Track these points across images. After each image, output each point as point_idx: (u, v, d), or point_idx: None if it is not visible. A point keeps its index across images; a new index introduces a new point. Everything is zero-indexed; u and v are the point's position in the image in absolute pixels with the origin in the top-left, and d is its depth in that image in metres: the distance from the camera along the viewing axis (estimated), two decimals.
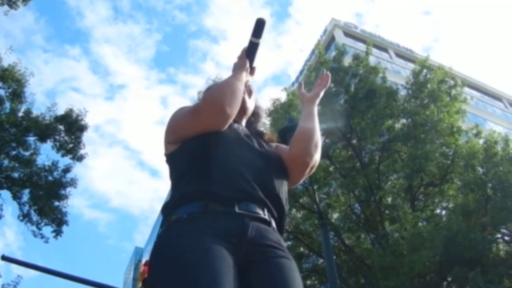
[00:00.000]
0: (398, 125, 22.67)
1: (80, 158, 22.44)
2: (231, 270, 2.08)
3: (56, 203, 22.04)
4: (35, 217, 22.00)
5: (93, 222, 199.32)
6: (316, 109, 2.91)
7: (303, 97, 2.99)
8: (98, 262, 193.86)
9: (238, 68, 2.76)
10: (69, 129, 21.91)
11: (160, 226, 2.37)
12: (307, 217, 23.81)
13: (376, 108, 21.88)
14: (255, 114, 3.07)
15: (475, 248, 16.04)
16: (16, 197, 21.82)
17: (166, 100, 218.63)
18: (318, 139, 2.77)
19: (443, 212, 21.81)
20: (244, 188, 2.33)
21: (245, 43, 2.80)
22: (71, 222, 28.20)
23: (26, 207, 21.97)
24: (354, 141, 22.93)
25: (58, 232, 21.96)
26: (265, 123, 3.12)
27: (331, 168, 23.61)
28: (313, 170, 2.79)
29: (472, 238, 16.15)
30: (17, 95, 21.07)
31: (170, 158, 2.62)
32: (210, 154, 2.42)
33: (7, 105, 21.24)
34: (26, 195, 22.02)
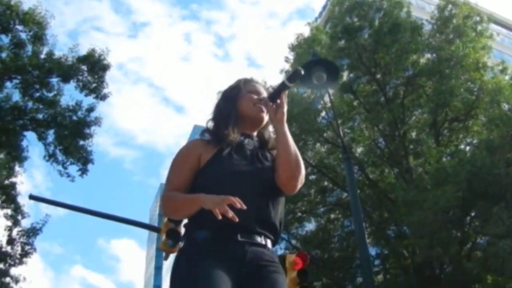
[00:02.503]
0: (422, 60, 22.36)
1: (103, 97, 22.44)
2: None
3: (81, 142, 22.12)
4: (60, 157, 22.16)
5: (119, 159, 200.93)
6: (287, 128, 3.01)
7: (272, 115, 3.03)
8: (124, 199, 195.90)
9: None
10: (92, 69, 21.83)
11: (183, 238, 2.97)
12: (331, 151, 23.89)
13: (401, 42, 21.54)
14: (266, 125, 3.24)
15: (499, 183, 15.93)
16: (41, 138, 21.96)
17: (189, 37, 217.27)
18: (297, 157, 2.97)
19: (468, 147, 21.66)
20: (244, 224, 2.70)
21: None
22: (97, 160, 28.53)
23: (52, 148, 22.12)
24: (379, 76, 22.72)
25: (83, 171, 22.15)
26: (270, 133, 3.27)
27: (355, 103, 23.52)
28: (303, 182, 3.04)
29: (496, 173, 16.06)
30: (38, 37, 20.93)
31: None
32: (217, 191, 2.71)
33: (29, 48, 21.13)
34: (51, 135, 22.12)
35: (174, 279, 2.73)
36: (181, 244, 3.11)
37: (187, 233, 2.91)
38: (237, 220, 2.58)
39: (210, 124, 3.19)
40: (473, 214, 18.52)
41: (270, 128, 3.24)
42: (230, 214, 2.54)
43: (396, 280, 20.82)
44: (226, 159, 2.93)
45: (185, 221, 3.00)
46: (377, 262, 23.09)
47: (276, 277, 2.80)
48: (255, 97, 3.16)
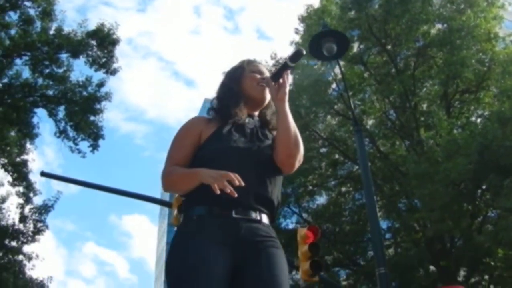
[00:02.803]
0: (433, 31, 22.12)
1: (113, 72, 22.46)
2: (223, 270, 2.66)
3: (92, 118, 22.20)
4: (71, 133, 22.25)
5: (130, 134, 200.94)
6: (288, 107, 3.08)
7: (274, 94, 3.09)
8: (135, 174, 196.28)
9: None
10: (101, 44, 21.83)
11: (181, 213, 3.05)
12: (342, 124, 23.84)
13: (411, 13, 21.29)
14: (267, 104, 3.28)
15: (511, 156, 15.85)
16: (52, 114, 22.02)
17: (199, 9, 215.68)
18: (297, 136, 3.03)
19: (479, 119, 21.51)
20: (240, 198, 2.72)
21: None
22: (107, 135, 28.63)
23: (62, 124, 22.20)
24: (389, 47, 22.55)
25: (94, 146, 22.24)
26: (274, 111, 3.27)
27: (365, 74, 23.41)
28: (301, 161, 3.09)
29: (508, 145, 15.94)
30: (47, 13, 20.89)
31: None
32: (216, 166, 2.78)
33: (38, 24, 21.15)
34: (61, 111, 22.21)
35: (170, 257, 2.79)
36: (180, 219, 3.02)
37: (184, 210, 2.97)
38: (235, 195, 2.62)
39: (215, 103, 3.25)
40: (484, 187, 18.47)
41: (273, 108, 3.24)
42: (229, 189, 2.59)
43: (407, 254, 20.83)
44: (226, 136, 2.99)
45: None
46: (388, 235, 23.16)
47: (274, 251, 2.84)
48: (258, 76, 3.21)
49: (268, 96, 3.20)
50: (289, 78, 3.15)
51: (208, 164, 2.83)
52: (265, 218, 2.92)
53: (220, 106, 3.19)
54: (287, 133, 3.00)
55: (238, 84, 3.20)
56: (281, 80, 3.08)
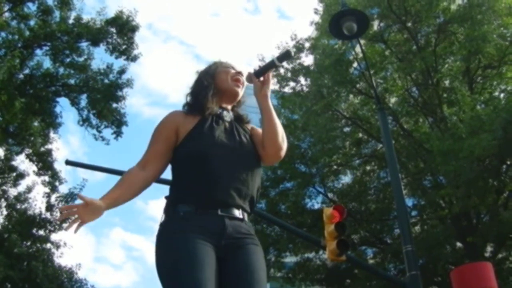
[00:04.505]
0: (453, 6, 21.82)
1: (134, 59, 22.56)
2: (212, 261, 2.79)
3: (114, 105, 22.36)
4: (94, 121, 22.45)
5: (153, 119, 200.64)
6: (271, 103, 3.21)
7: (257, 91, 3.21)
8: None
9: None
10: (120, 31, 21.91)
11: (164, 211, 3.08)
12: (364, 103, 23.69)
13: None
14: (240, 101, 3.47)
15: None
16: (74, 103, 22.20)
17: None
18: (282, 131, 3.20)
19: (502, 94, 21.27)
20: (224, 198, 2.95)
21: None
22: (131, 121, 28.72)
23: (85, 112, 22.39)
24: (409, 24, 22.33)
25: (118, 133, 22.43)
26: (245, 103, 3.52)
27: (386, 52, 23.19)
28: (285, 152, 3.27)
29: None
30: (65, 2, 20.97)
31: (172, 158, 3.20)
32: (199, 164, 2.99)
33: (57, 14, 21.23)
34: (84, 100, 22.41)
35: (159, 253, 2.89)
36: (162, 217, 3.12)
37: (168, 207, 3.06)
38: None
39: (189, 98, 3.39)
40: (509, 162, 18.37)
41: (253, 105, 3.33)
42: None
43: (434, 231, 20.75)
44: (207, 132, 3.11)
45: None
46: (414, 213, 23.07)
47: (253, 248, 3.00)
48: (233, 71, 3.39)
49: (241, 91, 3.38)
50: (271, 77, 3.26)
51: (193, 161, 3.00)
52: (246, 216, 3.08)
53: (195, 100, 3.32)
54: (275, 128, 3.14)
55: (212, 78, 3.34)
56: (265, 77, 3.18)
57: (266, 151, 3.14)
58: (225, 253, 2.88)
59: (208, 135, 3.08)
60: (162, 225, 3.01)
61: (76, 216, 2.80)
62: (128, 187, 3.02)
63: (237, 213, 3.00)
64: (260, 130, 3.28)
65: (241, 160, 3.08)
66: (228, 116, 3.28)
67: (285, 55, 3.21)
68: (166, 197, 3.11)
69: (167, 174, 3.33)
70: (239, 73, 3.36)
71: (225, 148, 3.06)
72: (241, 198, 3.02)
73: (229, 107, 3.38)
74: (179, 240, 2.82)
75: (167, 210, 3.05)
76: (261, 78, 3.17)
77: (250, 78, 3.21)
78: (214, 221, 2.90)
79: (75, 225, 2.82)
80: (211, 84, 3.30)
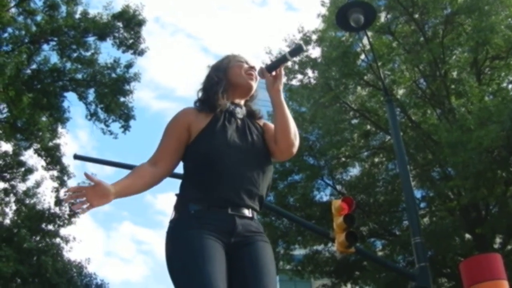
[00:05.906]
0: None
1: (141, 53, 22.64)
2: (222, 257, 2.81)
3: (122, 99, 22.47)
4: (102, 115, 22.58)
5: (161, 112, 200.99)
6: (283, 98, 3.19)
7: (270, 85, 3.18)
8: None
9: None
10: (127, 25, 21.98)
11: (174, 208, 3.09)
12: (372, 94, 23.62)
13: None
14: (252, 96, 3.43)
15: None
16: (82, 97, 22.32)
17: None
18: (294, 127, 3.18)
19: (510, 85, 21.21)
20: (235, 199, 2.96)
21: None
22: (139, 115, 28.86)
23: (93, 106, 22.51)
24: (417, 15, 22.26)
25: (126, 127, 22.55)
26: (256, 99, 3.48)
27: (394, 44, 23.11)
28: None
29: None
30: None
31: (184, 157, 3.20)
32: (212, 163, 2.99)
33: (63, 9, 21.29)
34: (91, 94, 22.55)
35: (170, 249, 2.90)
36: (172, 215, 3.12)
37: (179, 205, 3.06)
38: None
39: (201, 94, 3.33)
40: None
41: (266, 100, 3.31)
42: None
43: (443, 222, 20.73)
44: (220, 131, 3.08)
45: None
46: (422, 204, 23.05)
47: (262, 244, 3.02)
48: (246, 65, 3.33)
49: (255, 85, 3.33)
50: (283, 71, 3.23)
51: (206, 160, 2.99)
52: (255, 214, 3.09)
53: (207, 96, 3.26)
54: (287, 124, 3.12)
55: (224, 73, 3.30)
56: (277, 72, 3.16)
57: (279, 146, 3.14)
58: (234, 251, 2.90)
59: (220, 134, 3.07)
60: (173, 222, 3.02)
61: (84, 198, 2.79)
62: (138, 178, 3.03)
63: (247, 212, 3.01)
64: (272, 125, 3.27)
65: (252, 160, 3.08)
66: (240, 112, 3.26)
67: (297, 50, 3.20)
68: (177, 195, 3.12)
69: (178, 168, 3.32)
70: (253, 67, 3.32)
71: (237, 148, 3.06)
72: (251, 198, 3.03)
73: (242, 102, 3.36)
74: (189, 236, 2.83)
75: (177, 208, 3.06)
76: (273, 73, 3.14)
77: (262, 72, 3.18)
78: (225, 219, 2.92)
79: (84, 206, 2.81)
80: (222, 80, 3.26)
